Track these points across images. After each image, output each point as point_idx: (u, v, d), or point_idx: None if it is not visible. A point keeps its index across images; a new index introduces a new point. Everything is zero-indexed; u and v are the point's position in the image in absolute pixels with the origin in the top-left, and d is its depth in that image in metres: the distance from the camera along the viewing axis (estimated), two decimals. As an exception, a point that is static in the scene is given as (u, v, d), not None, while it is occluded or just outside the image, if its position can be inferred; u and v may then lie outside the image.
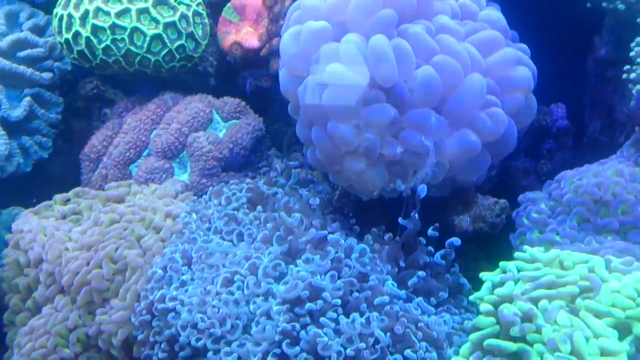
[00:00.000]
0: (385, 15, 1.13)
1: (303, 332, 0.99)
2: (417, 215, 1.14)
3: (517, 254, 1.02)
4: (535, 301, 0.90)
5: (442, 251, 1.17)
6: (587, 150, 1.45)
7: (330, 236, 1.12)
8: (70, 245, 1.19)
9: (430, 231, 1.16)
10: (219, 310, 1.02)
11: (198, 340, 1.03)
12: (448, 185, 1.26)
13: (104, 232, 1.18)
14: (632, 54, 1.23)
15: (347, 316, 1.01)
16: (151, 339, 1.06)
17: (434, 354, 1.00)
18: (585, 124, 1.50)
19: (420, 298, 1.08)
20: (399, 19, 1.15)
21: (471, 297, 1.00)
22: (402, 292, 1.09)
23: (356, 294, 1.03)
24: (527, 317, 0.89)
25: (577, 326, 0.86)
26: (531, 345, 0.86)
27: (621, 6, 1.29)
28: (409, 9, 1.16)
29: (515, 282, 0.96)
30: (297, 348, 0.98)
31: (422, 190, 1.12)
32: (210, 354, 1.02)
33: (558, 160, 1.44)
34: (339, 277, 1.06)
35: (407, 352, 0.98)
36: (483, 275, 1.00)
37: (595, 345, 0.83)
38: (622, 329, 0.87)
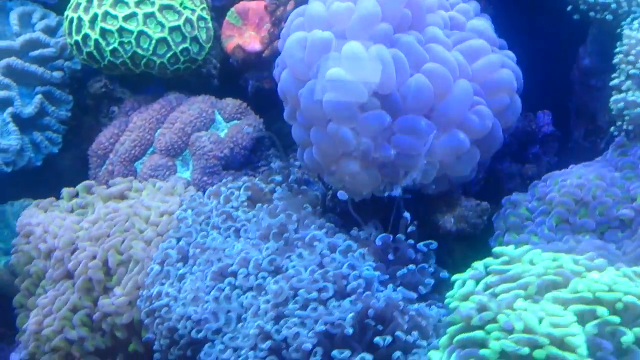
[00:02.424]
0: (384, 28, 1.21)
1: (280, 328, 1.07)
2: (407, 215, 1.21)
3: (493, 250, 1.09)
4: (497, 294, 0.97)
5: (422, 243, 1.23)
6: (572, 154, 1.51)
7: (315, 233, 1.18)
8: (82, 233, 1.26)
9: (410, 228, 1.23)
10: (208, 307, 1.09)
11: (198, 332, 1.10)
12: (445, 182, 1.33)
13: (110, 226, 1.25)
14: (615, 60, 1.29)
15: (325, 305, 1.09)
16: (153, 328, 1.14)
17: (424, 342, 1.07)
18: (571, 130, 1.57)
19: (401, 288, 1.15)
20: (394, 30, 1.22)
21: (447, 295, 1.06)
22: (390, 286, 1.16)
23: (333, 284, 1.10)
24: (482, 308, 0.95)
25: (531, 309, 0.92)
26: (489, 333, 0.93)
27: (609, 17, 1.35)
28: (405, 22, 1.24)
29: (478, 280, 1.03)
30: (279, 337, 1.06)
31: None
32: (206, 346, 1.09)
33: (544, 165, 1.50)
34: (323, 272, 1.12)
35: (398, 333, 1.05)
36: (454, 276, 1.07)
37: (547, 321, 0.89)
38: (588, 317, 0.93)
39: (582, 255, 1.01)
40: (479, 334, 0.96)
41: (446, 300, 1.06)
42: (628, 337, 0.89)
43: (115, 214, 1.31)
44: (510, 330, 0.91)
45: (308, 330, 1.05)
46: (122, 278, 1.21)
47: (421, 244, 1.23)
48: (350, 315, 1.05)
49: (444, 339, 1.04)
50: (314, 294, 1.08)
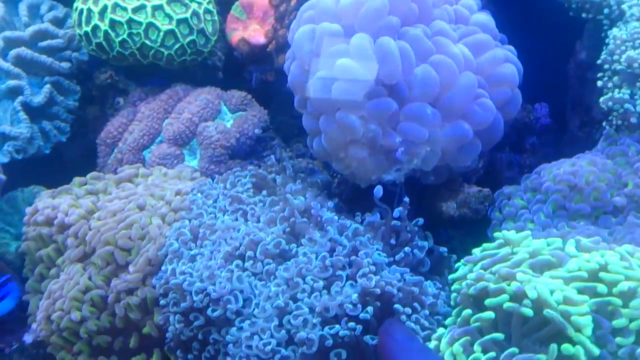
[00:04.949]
0: (391, 21, 1.26)
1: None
2: (407, 200, 1.25)
3: (495, 234, 1.14)
4: (494, 273, 1.02)
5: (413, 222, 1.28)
6: (568, 145, 1.57)
7: (326, 216, 1.23)
8: (97, 214, 1.30)
9: (420, 220, 1.28)
10: (225, 286, 1.13)
11: (214, 311, 1.13)
12: (444, 172, 1.38)
13: (126, 203, 1.29)
14: (599, 61, 1.35)
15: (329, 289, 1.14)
16: (169, 309, 1.17)
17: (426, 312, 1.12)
18: (567, 121, 1.62)
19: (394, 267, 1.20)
20: (402, 24, 1.27)
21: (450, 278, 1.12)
22: (392, 268, 1.21)
23: (340, 272, 1.15)
24: (478, 279, 1.01)
25: (539, 282, 0.97)
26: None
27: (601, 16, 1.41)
28: (412, 16, 1.29)
29: (475, 264, 1.08)
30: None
31: (377, 191, 1.25)
32: (233, 329, 1.12)
33: (540, 155, 1.56)
34: (334, 255, 1.17)
35: (397, 306, 1.10)
36: (457, 264, 1.13)
37: (560, 295, 0.94)
38: (586, 294, 0.98)
39: (587, 239, 1.06)
40: (468, 312, 1.01)
41: (450, 277, 1.12)
42: (620, 321, 0.95)
43: (131, 192, 1.35)
44: (521, 296, 0.96)
45: (315, 315, 1.10)
46: (136, 256, 1.24)
47: (411, 223, 1.27)
48: (355, 296, 1.10)
49: (449, 320, 1.09)
50: (321, 283, 1.13)
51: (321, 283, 1.14)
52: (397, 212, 1.25)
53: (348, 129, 1.27)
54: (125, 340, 1.25)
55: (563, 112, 1.64)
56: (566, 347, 0.92)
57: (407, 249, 1.22)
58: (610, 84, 1.32)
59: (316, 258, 1.16)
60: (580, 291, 0.96)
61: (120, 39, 1.60)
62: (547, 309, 0.94)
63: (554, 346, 0.92)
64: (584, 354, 0.91)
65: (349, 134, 1.28)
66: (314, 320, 1.09)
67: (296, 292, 1.12)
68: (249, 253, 1.18)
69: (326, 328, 1.09)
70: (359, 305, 1.10)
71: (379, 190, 1.24)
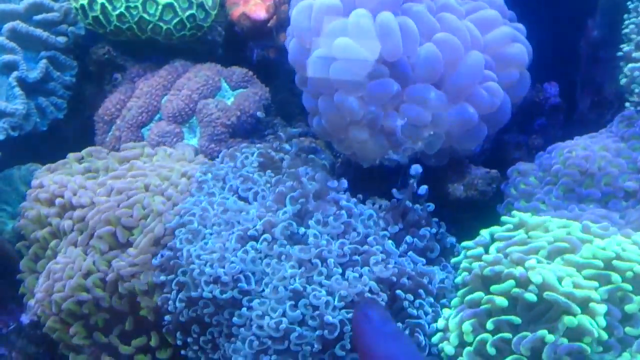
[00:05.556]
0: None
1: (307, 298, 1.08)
2: (415, 184, 1.22)
3: (503, 218, 1.11)
4: (508, 254, 1.00)
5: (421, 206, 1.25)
6: (577, 126, 1.53)
7: (343, 202, 1.20)
8: (102, 190, 1.27)
9: (431, 205, 1.25)
10: (237, 267, 1.11)
11: (222, 292, 1.11)
12: (446, 154, 1.34)
13: (131, 182, 1.26)
14: (625, 30, 1.30)
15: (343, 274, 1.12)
16: (172, 288, 1.15)
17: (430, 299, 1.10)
18: (577, 101, 1.59)
19: (410, 254, 1.18)
20: (404, -2, 1.22)
21: (452, 261, 1.10)
22: (397, 251, 1.18)
23: (356, 257, 1.13)
24: (494, 263, 0.98)
25: (547, 268, 0.95)
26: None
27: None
28: (415, -12, 1.24)
29: (486, 247, 1.05)
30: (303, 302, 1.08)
31: (416, 168, 1.21)
32: (244, 310, 1.10)
33: (549, 136, 1.53)
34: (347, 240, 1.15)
35: (398, 291, 1.09)
36: (462, 243, 1.10)
37: (569, 281, 0.92)
38: (599, 282, 0.96)
39: (596, 224, 1.03)
40: (479, 295, 0.99)
41: (453, 260, 1.09)
42: (632, 306, 0.93)
43: (138, 171, 1.32)
44: (525, 281, 0.93)
45: (336, 298, 1.08)
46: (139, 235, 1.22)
47: (418, 206, 1.24)
48: (374, 283, 1.09)
49: (455, 300, 1.07)
50: (340, 269, 1.11)
51: (340, 269, 1.12)
52: (422, 189, 1.22)
53: (347, 111, 1.23)
54: (124, 323, 1.22)
55: (573, 91, 1.60)
56: (570, 320, 0.90)
57: (408, 238, 1.19)
58: (635, 55, 1.27)
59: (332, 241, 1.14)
60: (594, 279, 0.94)
61: (117, 12, 1.55)
62: (550, 292, 0.92)
63: (564, 317, 0.91)
64: (590, 324, 0.89)
65: (348, 116, 1.24)
66: (337, 303, 1.07)
67: (312, 275, 1.10)
68: (266, 236, 1.15)
69: (343, 312, 1.07)
70: (375, 292, 1.08)
71: (416, 169, 1.21)
